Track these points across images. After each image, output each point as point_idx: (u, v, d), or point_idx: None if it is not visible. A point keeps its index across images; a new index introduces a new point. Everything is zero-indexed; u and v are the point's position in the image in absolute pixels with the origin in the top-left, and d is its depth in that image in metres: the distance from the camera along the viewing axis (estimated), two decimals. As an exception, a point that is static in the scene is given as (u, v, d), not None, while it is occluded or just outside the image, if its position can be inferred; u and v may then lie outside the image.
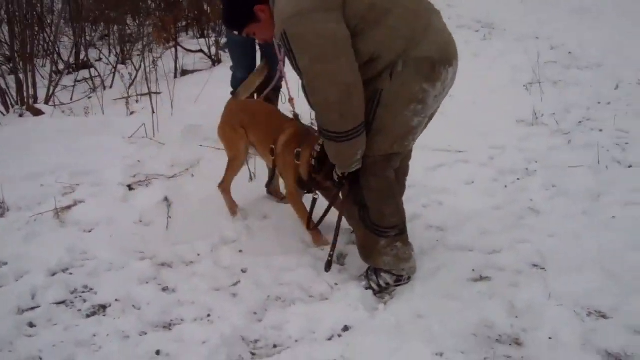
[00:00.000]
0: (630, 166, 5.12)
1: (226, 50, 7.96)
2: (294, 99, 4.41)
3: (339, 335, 3.36)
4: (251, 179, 5.07)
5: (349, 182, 3.58)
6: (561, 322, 3.31)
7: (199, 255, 4.15)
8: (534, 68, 7.02)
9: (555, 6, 9.93)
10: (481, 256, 4.01)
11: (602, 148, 5.26)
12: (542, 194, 4.70)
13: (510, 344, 3.23)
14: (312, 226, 4.10)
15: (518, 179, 5.00)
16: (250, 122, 4.44)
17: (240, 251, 4.18)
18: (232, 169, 4.57)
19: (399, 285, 3.76)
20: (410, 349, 3.17)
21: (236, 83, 5.73)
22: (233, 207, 4.62)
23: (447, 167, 5.24)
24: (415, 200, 4.63)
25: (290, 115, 4.30)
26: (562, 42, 8.42)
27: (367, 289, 3.74)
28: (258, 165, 5.05)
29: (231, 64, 5.92)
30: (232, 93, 5.65)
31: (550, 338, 3.23)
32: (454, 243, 4.13)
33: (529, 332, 3.29)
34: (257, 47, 5.75)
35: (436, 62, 3.27)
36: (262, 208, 4.68)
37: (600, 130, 5.84)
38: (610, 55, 7.59)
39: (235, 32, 3.69)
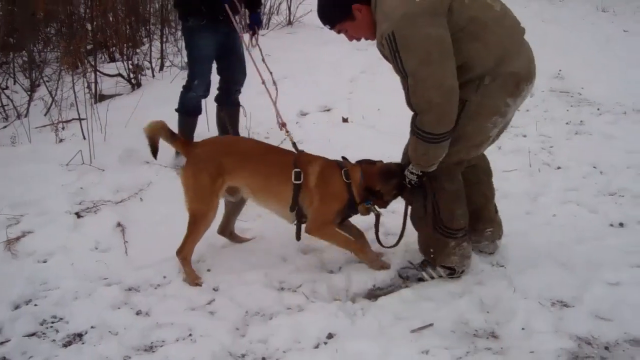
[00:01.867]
0: (559, 167, 5.51)
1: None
2: (285, 124, 4.50)
3: (325, 343, 3.46)
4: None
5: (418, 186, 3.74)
6: (530, 313, 3.57)
7: (165, 277, 4.14)
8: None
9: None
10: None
11: (530, 152, 5.59)
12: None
13: (487, 338, 3.44)
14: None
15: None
16: (240, 164, 4.03)
17: (209, 270, 4.21)
18: (197, 230, 4.06)
19: (451, 277, 3.94)
20: (398, 350, 3.32)
21: (194, 102, 5.73)
22: (195, 279, 4.07)
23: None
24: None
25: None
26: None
27: (419, 280, 3.95)
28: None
29: (174, 81, 5.87)
30: (179, 111, 5.73)
31: (523, 328, 3.46)
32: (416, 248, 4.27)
33: (503, 325, 3.52)
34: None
35: (522, 79, 3.47)
36: (215, 227, 4.67)
37: (525, 136, 6.24)
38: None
39: (327, 26, 3.68)
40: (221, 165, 3.98)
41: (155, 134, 4.06)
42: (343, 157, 4.16)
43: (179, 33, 9.57)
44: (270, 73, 5.34)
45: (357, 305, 3.76)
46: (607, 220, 4.61)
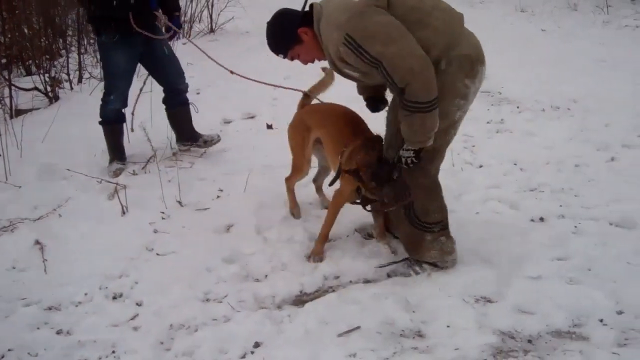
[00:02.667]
0: (481, 166, 5.61)
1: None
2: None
3: (252, 352, 3.40)
4: (123, 212, 4.96)
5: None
6: (454, 311, 3.60)
7: (86, 294, 4.02)
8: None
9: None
10: (370, 261, 4.23)
11: (453, 152, 5.65)
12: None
13: (413, 337, 3.45)
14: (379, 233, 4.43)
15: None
16: (320, 124, 4.47)
17: (131, 286, 4.10)
18: (295, 174, 4.75)
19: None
20: (325, 355, 3.30)
21: (111, 114, 5.68)
22: (293, 206, 4.85)
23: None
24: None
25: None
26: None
27: (407, 276, 4.00)
28: (129, 199, 4.99)
29: (93, 93, 5.79)
30: (102, 122, 5.68)
31: (448, 326, 3.49)
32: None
33: (428, 324, 3.53)
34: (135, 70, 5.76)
35: (474, 60, 3.59)
36: (142, 240, 4.60)
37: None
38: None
39: (281, 56, 3.82)
40: (307, 124, 4.54)
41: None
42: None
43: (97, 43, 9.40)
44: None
45: (283, 313, 3.72)
46: (528, 215, 4.69)
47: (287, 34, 3.71)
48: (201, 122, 6.36)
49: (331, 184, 4.18)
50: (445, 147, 3.91)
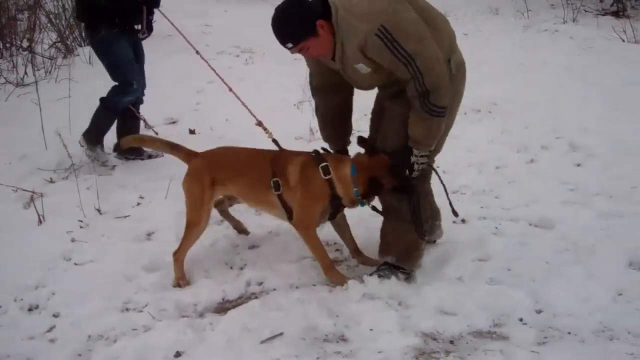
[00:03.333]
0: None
1: None
2: (262, 122, 4.53)
3: (173, 362, 3.34)
4: (40, 222, 4.80)
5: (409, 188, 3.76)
6: (378, 314, 3.59)
7: (0, 307, 3.87)
8: (303, 87, 7.38)
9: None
10: (294, 266, 4.21)
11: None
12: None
13: (337, 342, 3.43)
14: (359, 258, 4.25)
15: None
16: (227, 176, 4.11)
17: (47, 297, 3.96)
18: (191, 236, 4.11)
19: (407, 281, 3.94)
20: (247, 362, 3.25)
21: (127, 104, 5.78)
22: (180, 278, 4.07)
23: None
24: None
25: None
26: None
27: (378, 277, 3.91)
28: (46, 208, 4.84)
29: (9, 99, 6.10)
30: (109, 109, 5.77)
31: (371, 329, 3.48)
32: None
33: (352, 328, 3.52)
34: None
35: (465, 65, 3.77)
36: (60, 250, 4.45)
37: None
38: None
39: (289, 45, 3.53)
40: (212, 177, 4.09)
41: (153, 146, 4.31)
42: (323, 149, 4.08)
43: (14, 48, 9.13)
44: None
45: (205, 321, 3.66)
46: (451, 217, 4.71)
47: (304, 23, 3.47)
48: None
49: (291, 218, 4.02)
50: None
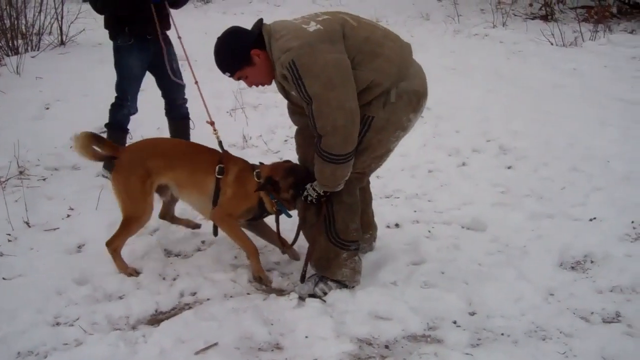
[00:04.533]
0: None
1: None
2: (214, 122, 4.56)
3: (105, 376, 3.26)
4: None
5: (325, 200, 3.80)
6: (312, 321, 3.60)
7: None
8: (235, 94, 7.35)
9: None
10: (227, 275, 4.17)
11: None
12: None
13: (272, 350, 3.41)
14: (287, 245, 4.28)
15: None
16: (166, 163, 4.14)
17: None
18: (130, 230, 4.14)
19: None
20: (180, 374, 3.20)
21: (123, 118, 5.80)
22: (125, 268, 4.15)
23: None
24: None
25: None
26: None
27: (310, 296, 3.88)
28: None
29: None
30: (111, 127, 5.80)
31: (306, 337, 3.47)
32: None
33: (286, 336, 3.51)
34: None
35: (421, 95, 3.73)
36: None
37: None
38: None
39: (227, 74, 3.70)
40: (148, 167, 4.09)
41: (87, 144, 4.09)
42: (260, 163, 4.29)
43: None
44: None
45: (138, 333, 3.57)
46: (384, 222, 4.76)
47: (239, 53, 3.60)
48: (50, 138, 6.11)
49: (215, 232, 4.25)
50: (374, 171, 4.02)
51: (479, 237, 4.60)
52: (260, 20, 3.70)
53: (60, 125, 6.77)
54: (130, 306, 3.82)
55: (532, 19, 13.05)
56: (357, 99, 3.48)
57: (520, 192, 5.31)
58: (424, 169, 5.81)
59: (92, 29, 10.78)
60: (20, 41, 10.03)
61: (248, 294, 3.97)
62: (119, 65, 5.67)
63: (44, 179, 5.64)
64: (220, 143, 4.37)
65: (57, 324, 3.71)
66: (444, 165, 5.93)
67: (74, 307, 3.83)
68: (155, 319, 3.75)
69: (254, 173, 4.10)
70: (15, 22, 10.01)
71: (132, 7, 5.26)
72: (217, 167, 4.07)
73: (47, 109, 7.39)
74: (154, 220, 4.74)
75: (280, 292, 3.98)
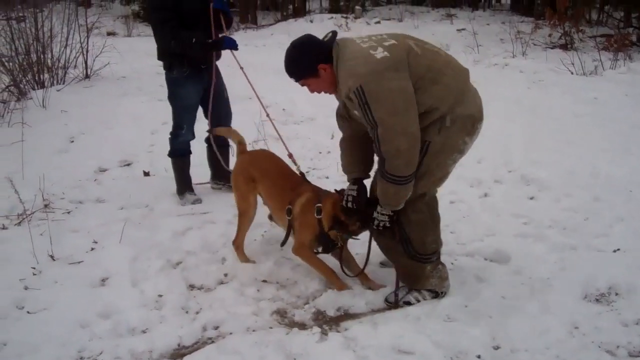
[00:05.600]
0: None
1: None
2: (292, 155, 4.92)
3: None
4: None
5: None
6: (336, 355, 3.58)
7: None
8: (258, 127, 7.40)
9: (261, 68, 10.51)
10: (250, 309, 4.17)
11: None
12: (290, 242, 4.94)
13: None
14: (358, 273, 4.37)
15: (265, 231, 5.29)
16: (262, 176, 4.66)
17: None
18: (243, 223, 4.73)
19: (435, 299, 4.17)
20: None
21: (182, 146, 6.01)
22: (246, 260, 4.73)
23: (195, 230, 5.32)
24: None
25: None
26: (274, 100, 8.97)
27: (405, 303, 4.13)
28: None
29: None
30: (172, 155, 6.02)
31: None
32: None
33: None
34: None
35: (476, 119, 3.89)
36: (11, 298, 4.33)
37: (327, 177, 6.38)
38: (321, 109, 8.20)
39: (293, 79, 3.95)
40: (250, 172, 4.70)
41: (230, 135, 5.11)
42: (336, 190, 4.41)
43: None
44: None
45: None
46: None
47: (306, 65, 3.84)
48: (74, 171, 6.18)
49: (283, 244, 4.54)
50: (435, 191, 4.17)
51: (502, 269, 4.57)
52: (335, 34, 3.91)
53: (85, 158, 6.87)
54: (153, 340, 3.83)
55: (552, 48, 13.07)
56: (419, 122, 3.66)
57: (543, 223, 5.28)
58: (446, 200, 5.78)
59: (117, 62, 11.00)
60: (46, 75, 10.21)
61: (270, 327, 3.95)
62: (174, 96, 5.87)
63: (68, 212, 5.68)
64: (302, 174, 4.70)
65: (81, 358, 3.72)
66: (466, 196, 5.92)
67: (98, 341, 3.85)
68: (178, 354, 3.75)
69: (315, 208, 4.29)
70: (42, 57, 10.19)
71: (206, 50, 5.63)
72: (286, 209, 4.40)
73: (72, 142, 7.49)
74: (177, 252, 4.81)
75: (303, 326, 3.96)
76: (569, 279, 4.34)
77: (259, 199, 4.80)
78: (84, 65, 10.84)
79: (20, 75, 9.79)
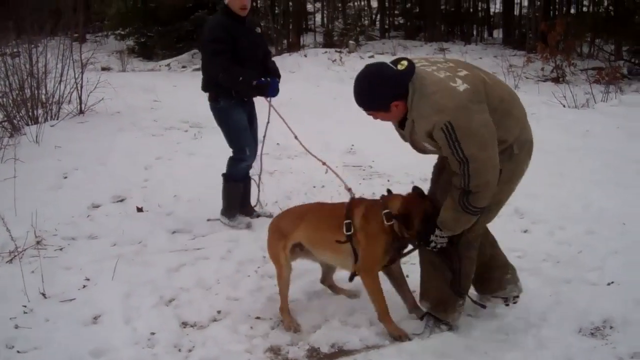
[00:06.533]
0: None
1: None
2: (351, 189, 4.66)
3: None
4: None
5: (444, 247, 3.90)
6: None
7: None
8: (250, 163, 7.41)
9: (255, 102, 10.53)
10: (243, 346, 4.12)
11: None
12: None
13: None
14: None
15: (259, 267, 5.23)
16: (294, 224, 4.41)
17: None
18: (280, 285, 4.43)
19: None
20: None
21: (243, 171, 6.27)
22: (291, 325, 4.33)
23: (189, 266, 5.29)
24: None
25: None
26: (268, 135, 8.99)
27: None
28: None
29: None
30: (233, 179, 6.23)
31: None
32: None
33: None
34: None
35: (531, 143, 3.92)
36: (2, 337, 4.28)
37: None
38: (316, 142, 8.18)
39: (361, 108, 3.83)
40: (281, 229, 4.46)
41: None
42: (388, 190, 4.28)
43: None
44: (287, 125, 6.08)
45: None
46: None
47: (380, 100, 3.72)
48: (67, 207, 6.16)
49: (351, 278, 4.25)
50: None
51: (497, 303, 4.54)
52: (411, 65, 3.68)
53: (78, 194, 6.85)
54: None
55: (544, 81, 13.18)
56: None
57: (537, 256, 5.26)
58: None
59: (111, 98, 11.03)
60: (40, 110, 10.22)
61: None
62: (226, 122, 6.08)
63: (60, 249, 5.64)
64: (350, 189, 4.62)
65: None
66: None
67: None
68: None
69: (383, 214, 4.06)
70: (36, 92, 10.20)
71: (250, 91, 5.87)
72: (344, 225, 4.12)
73: (65, 177, 7.48)
74: (171, 289, 4.78)
75: (297, 364, 3.94)
76: (563, 312, 4.32)
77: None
78: (78, 100, 10.84)
79: (14, 111, 9.80)
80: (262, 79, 5.85)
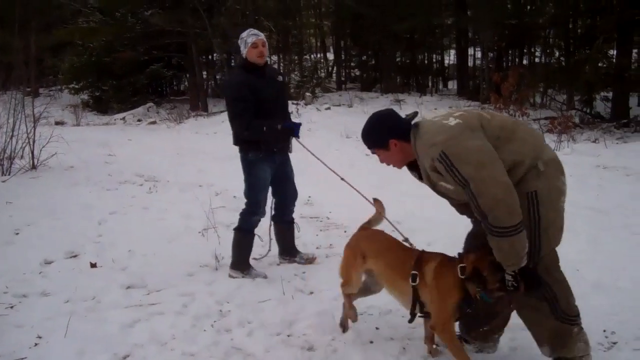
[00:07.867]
0: (311, 292, 5.61)
1: None
2: (408, 238, 4.63)
3: None
4: None
5: (524, 280, 3.76)
6: None
7: None
8: (207, 214, 7.37)
9: (212, 155, 10.57)
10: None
11: (284, 280, 5.67)
12: (240, 331, 4.89)
13: None
14: None
15: (215, 321, 5.13)
16: (373, 251, 4.52)
17: None
18: (345, 294, 4.73)
19: None
20: None
21: (255, 224, 6.28)
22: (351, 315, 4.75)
23: (143, 322, 5.16)
24: None
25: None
26: (224, 187, 8.99)
27: None
28: None
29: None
30: (245, 231, 6.26)
31: None
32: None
33: None
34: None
35: (558, 161, 3.92)
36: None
37: (278, 264, 6.35)
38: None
39: (366, 146, 4.19)
40: (361, 247, 4.60)
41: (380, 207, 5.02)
42: (459, 254, 4.22)
43: None
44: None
45: None
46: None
47: (379, 137, 4.06)
48: (19, 264, 6.04)
49: (411, 319, 4.32)
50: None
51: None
52: (416, 114, 4.19)
53: (30, 250, 6.73)
54: None
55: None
56: (512, 178, 3.66)
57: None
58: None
59: (64, 152, 10.94)
60: (-10, 166, 10.09)
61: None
62: (251, 176, 6.17)
63: (11, 307, 5.49)
64: (406, 239, 4.61)
65: None
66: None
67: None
68: None
69: (458, 268, 4.01)
70: (-13, 148, 10.07)
71: (276, 135, 5.98)
72: (411, 274, 4.17)
73: (17, 234, 7.35)
74: (125, 345, 4.70)
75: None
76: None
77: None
78: (30, 155, 10.74)
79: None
80: (287, 122, 6.13)
